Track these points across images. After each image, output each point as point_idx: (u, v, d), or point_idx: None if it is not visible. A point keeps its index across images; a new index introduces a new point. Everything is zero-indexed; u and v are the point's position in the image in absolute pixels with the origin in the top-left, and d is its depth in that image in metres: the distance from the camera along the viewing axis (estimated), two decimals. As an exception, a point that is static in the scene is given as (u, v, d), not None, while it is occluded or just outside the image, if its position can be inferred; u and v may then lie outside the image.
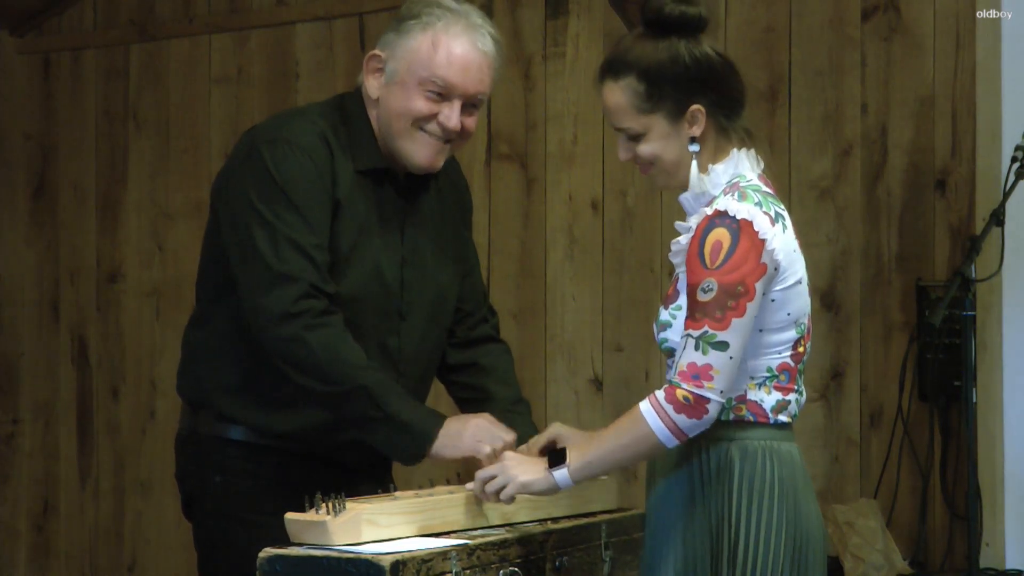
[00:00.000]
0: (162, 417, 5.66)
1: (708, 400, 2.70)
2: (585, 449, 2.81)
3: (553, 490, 2.84)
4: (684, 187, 2.86)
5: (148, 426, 5.75)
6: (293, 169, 3.09)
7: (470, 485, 2.94)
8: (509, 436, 3.10)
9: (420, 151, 3.17)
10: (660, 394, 2.72)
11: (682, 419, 2.71)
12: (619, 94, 2.84)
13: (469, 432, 3.07)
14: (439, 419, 3.08)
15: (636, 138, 2.85)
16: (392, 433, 3.05)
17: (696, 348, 2.71)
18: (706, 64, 2.82)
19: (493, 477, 2.87)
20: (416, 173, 3.23)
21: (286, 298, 3.03)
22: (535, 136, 5.11)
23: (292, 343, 3.02)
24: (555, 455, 2.83)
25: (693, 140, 2.82)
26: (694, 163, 2.83)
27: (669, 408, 2.71)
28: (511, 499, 2.87)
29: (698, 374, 2.70)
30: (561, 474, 2.81)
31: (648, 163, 2.86)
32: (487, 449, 3.04)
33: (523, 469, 2.85)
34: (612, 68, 2.85)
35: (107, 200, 5.86)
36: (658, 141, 2.83)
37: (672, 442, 2.73)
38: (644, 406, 2.73)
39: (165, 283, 5.70)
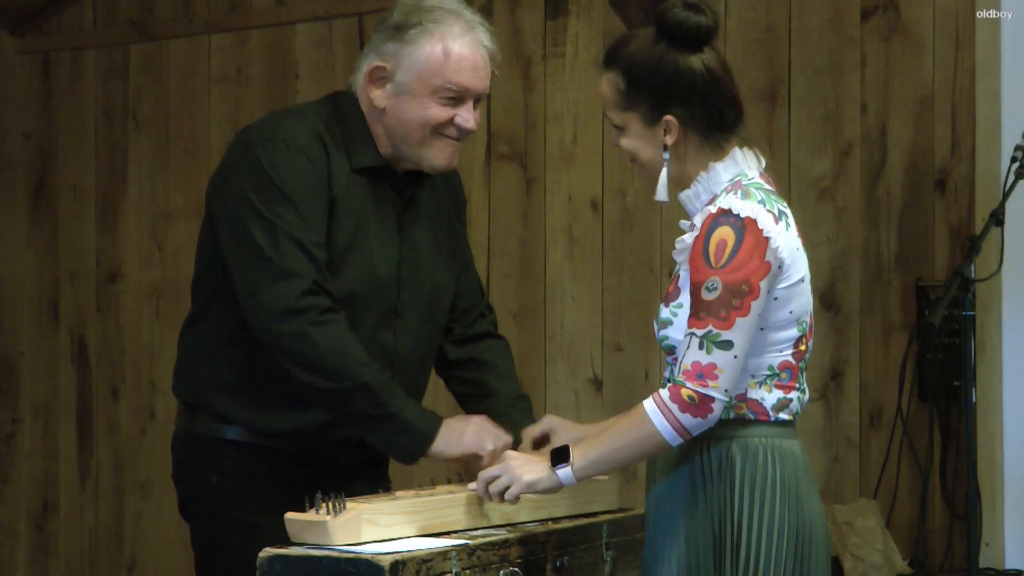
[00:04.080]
0: (162, 417, 5.66)
1: (713, 399, 2.71)
2: (589, 447, 2.81)
3: (557, 488, 2.84)
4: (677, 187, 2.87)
5: (148, 426, 5.75)
6: (289, 168, 3.10)
7: (472, 486, 2.94)
8: (507, 437, 3.12)
9: (440, 155, 3.19)
10: (664, 393, 2.72)
11: (687, 418, 2.71)
12: (606, 85, 2.87)
13: (471, 431, 3.08)
14: (438, 420, 3.09)
15: (619, 129, 2.87)
16: (393, 432, 3.05)
17: (700, 347, 2.71)
18: (687, 78, 2.80)
19: (496, 477, 2.87)
20: (432, 173, 3.25)
21: (290, 294, 3.03)
22: (535, 136, 5.11)
23: (296, 339, 3.02)
24: (558, 453, 2.83)
25: (666, 148, 2.83)
26: (663, 172, 2.83)
27: (674, 407, 2.71)
28: (516, 499, 2.86)
29: (703, 373, 2.70)
30: (565, 472, 2.81)
31: (631, 157, 2.88)
32: (490, 446, 3.05)
33: (527, 468, 2.85)
34: (608, 59, 2.88)
35: (107, 200, 5.86)
36: (634, 139, 2.85)
37: (677, 441, 2.73)
38: (648, 405, 2.73)
39: (165, 283, 5.70)
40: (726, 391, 2.71)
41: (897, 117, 4.59)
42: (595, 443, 2.82)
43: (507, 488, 2.85)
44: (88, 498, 5.89)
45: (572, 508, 3.17)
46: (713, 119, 2.82)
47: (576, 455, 2.81)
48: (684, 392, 2.71)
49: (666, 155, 2.83)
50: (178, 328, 3.36)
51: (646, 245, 4.92)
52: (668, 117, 2.81)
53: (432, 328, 3.34)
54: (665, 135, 2.82)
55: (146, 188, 5.78)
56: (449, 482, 2.93)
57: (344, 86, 3.30)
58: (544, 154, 5.10)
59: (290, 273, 3.04)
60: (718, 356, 2.70)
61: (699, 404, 2.70)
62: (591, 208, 5.01)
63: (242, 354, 3.15)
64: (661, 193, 2.85)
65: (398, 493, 3.01)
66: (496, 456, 3.02)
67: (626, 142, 2.87)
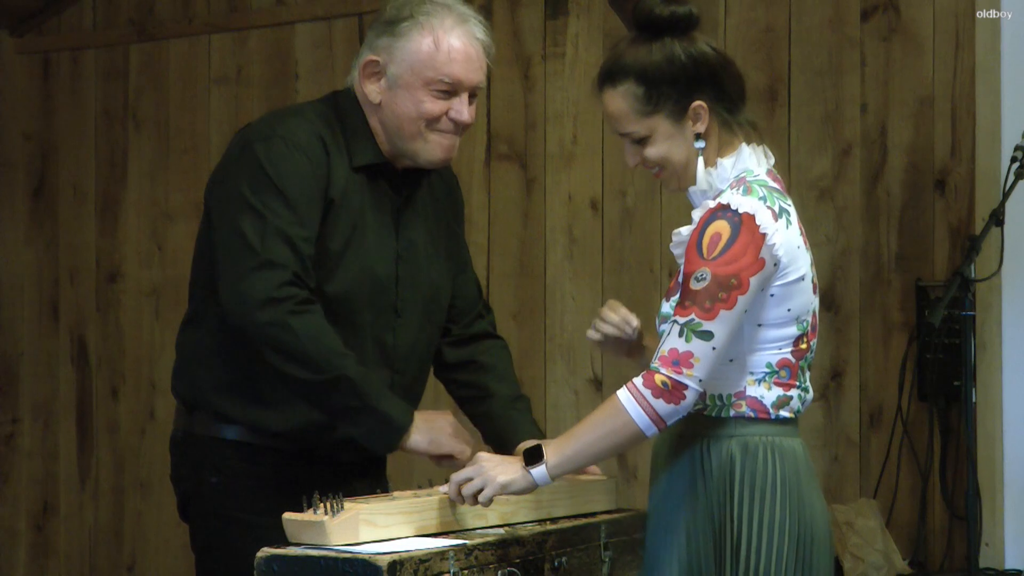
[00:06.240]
0: (162, 417, 5.65)
1: (686, 387, 2.70)
2: (563, 444, 2.80)
3: (532, 488, 2.82)
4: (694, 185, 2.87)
5: (148, 426, 5.75)
6: (287, 165, 3.10)
7: (443, 488, 2.91)
8: (471, 441, 3.14)
9: (435, 150, 3.19)
10: (638, 380, 2.72)
11: (660, 404, 2.70)
12: (619, 100, 2.85)
13: (449, 431, 3.09)
14: (412, 412, 3.09)
15: (642, 142, 2.86)
16: (371, 424, 3.05)
17: (680, 335, 2.71)
18: (702, 60, 2.83)
19: (469, 479, 2.84)
20: (430, 168, 3.25)
21: (270, 283, 3.02)
22: (535, 136, 5.11)
23: (276, 328, 3.02)
24: (531, 453, 2.81)
25: (698, 137, 2.83)
26: (700, 160, 2.84)
27: (647, 393, 2.70)
28: (489, 501, 2.84)
29: (678, 360, 2.70)
30: (539, 472, 2.79)
31: (658, 166, 2.87)
32: (468, 452, 3.05)
33: (501, 470, 2.82)
34: (609, 75, 2.87)
35: (107, 200, 5.86)
36: (664, 142, 2.84)
37: (651, 430, 2.72)
38: (622, 394, 2.73)
39: (165, 283, 5.70)
40: (700, 381, 2.71)
41: (897, 117, 4.58)
42: (569, 439, 2.80)
43: (480, 490, 2.82)
44: (88, 498, 5.89)
45: (571, 508, 3.17)
46: (731, 95, 2.86)
47: (550, 453, 2.79)
48: (658, 378, 2.70)
49: (700, 143, 2.83)
50: (178, 328, 3.35)
51: (646, 245, 4.91)
52: (696, 103, 2.82)
53: (431, 328, 3.34)
54: (695, 124, 2.83)
55: (146, 188, 5.78)
56: (447, 482, 2.92)
57: (344, 86, 3.30)
58: (544, 154, 5.10)
59: (271, 263, 3.03)
60: (696, 345, 2.70)
61: (672, 391, 2.70)
62: (591, 208, 5.01)
63: (241, 353, 3.14)
64: (702, 182, 2.84)
65: (396, 493, 3.01)
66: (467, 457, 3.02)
67: (653, 151, 2.85)
